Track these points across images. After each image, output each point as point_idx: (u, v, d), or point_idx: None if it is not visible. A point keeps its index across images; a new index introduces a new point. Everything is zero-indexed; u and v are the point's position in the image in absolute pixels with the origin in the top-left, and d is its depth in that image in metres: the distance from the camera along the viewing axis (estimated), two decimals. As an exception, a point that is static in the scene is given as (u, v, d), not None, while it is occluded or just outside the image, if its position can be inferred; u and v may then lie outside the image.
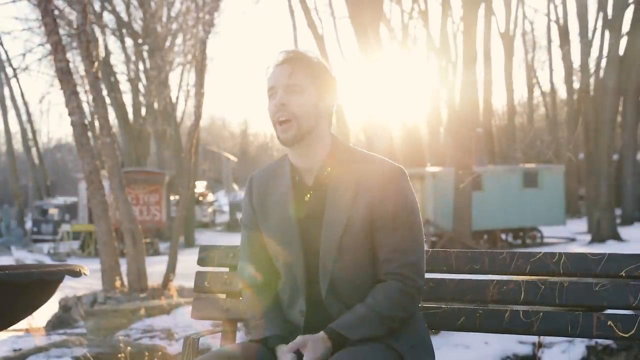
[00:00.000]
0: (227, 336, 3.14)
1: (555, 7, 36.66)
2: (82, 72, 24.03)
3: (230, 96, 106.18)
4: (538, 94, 46.07)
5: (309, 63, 2.62)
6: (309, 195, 2.64)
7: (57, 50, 11.20)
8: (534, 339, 7.38)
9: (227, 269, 3.22)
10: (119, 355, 5.84)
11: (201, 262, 3.25)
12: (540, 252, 2.79)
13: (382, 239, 2.56)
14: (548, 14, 39.01)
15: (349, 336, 2.47)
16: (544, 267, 2.78)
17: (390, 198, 2.55)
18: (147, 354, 6.22)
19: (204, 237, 33.63)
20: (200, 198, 41.52)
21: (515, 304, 2.79)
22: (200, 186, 41.34)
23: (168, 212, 30.34)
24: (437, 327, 2.86)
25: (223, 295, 3.21)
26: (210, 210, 43.68)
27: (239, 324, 6.20)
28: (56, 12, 16.95)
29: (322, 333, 2.48)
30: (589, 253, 2.74)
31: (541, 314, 2.73)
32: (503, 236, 24.22)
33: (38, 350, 6.66)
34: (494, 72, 35.21)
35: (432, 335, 2.87)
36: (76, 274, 3.61)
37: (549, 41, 41.30)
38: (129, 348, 5.91)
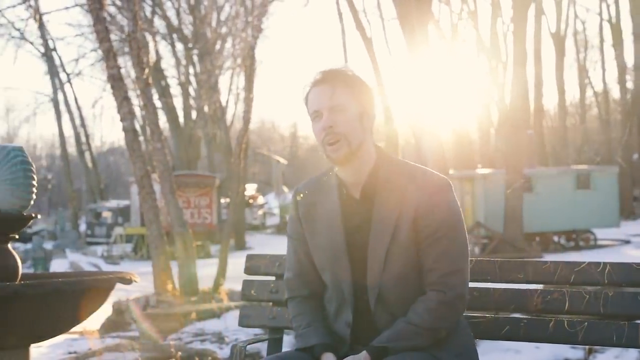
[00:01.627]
0: (274, 344, 3.19)
1: (608, 6, 36.22)
2: (134, 76, 24.35)
3: (280, 99, 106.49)
4: (590, 94, 45.42)
5: (348, 80, 2.64)
6: (356, 208, 2.68)
7: (109, 57, 11.36)
8: (585, 343, 7.28)
9: (273, 278, 3.27)
10: (170, 360, 5.94)
11: (248, 270, 3.31)
12: (585, 262, 2.78)
13: (426, 249, 2.58)
14: (600, 13, 38.52)
15: (388, 346, 2.49)
16: (589, 277, 2.77)
17: (435, 209, 2.58)
18: (197, 358, 6.30)
19: (254, 240, 33.78)
20: (251, 201, 41.73)
21: (559, 313, 2.78)
22: (250, 189, 41.55)
23: (219, 214, 30.56)
24: (481, 336, 2.87)
25: (270, 304, 3.26)
26: (260, 212, 43.85)
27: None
28: (108, 18, 17.20)
29: (363, 352, 2.51)
30: (634, 263, 2.73)
31: (586, 323, 2.73)
32: (555, 238, 23.93)
33: (92, 354, 6.79)
34: (545, 72, 34.89)
35: (483, 340, 2.88)
36: (127, 281, 3.70)
37: (601, 40, 40.73)
38: (179, 353, 6.01)
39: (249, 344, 2.98)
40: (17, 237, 3.96)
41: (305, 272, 2.79)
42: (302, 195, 2.81)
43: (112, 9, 27.44)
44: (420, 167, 2.69)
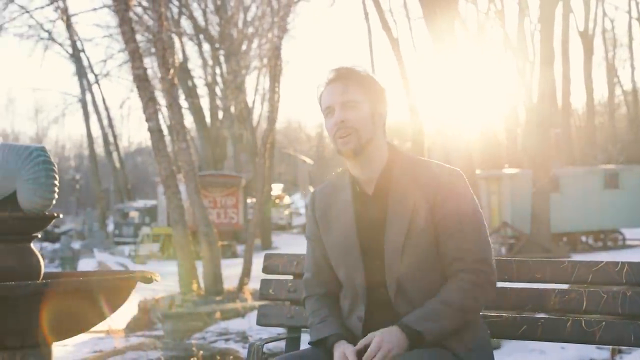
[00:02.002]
0: (291, 343, 3.20)
1: (637, 4, 35.90)
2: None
3: (307, 99, 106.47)
4: (619, 93, 45.01)
5: (360, 78, 2.69)
6: (369, 204, 2.70)
7: (135, 58, 11.45)
8: (610, 344, 7.20)
9: (291, 277, 3.28)
10: (192, 359, 5.96)
11: (266, 269, 3.32)
12: (603, 262, 2.77)
13: (448, 239, 2.62)
14: (629, 11, 38.26)
15: (420, 329, 2.50)
16: (607, 277, 2.76)
17: (452, 200, 2.62)
18: (218, 357, 6.33)
19: (280, 240, 33.83)
20: (277, 200, 41.81)
21: (577, 313, 2.77)
22: (276, 189, 41.61)
23: (245, 214, 30.64)
24: (499, 336, 2.86)
25: (287, 303, 3.27)
26: (286, 212, 43.96)
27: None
28: (135, 19, 17.30)
29: (394, 327, 2.53)
30: (652, 263, 2.71)
31: (603, 323, 2.71)
32: (583, 238, 23.74)
33: (115, 352, 6.84)
34: (572, 71, 34.60)
35: (501, 339, 2.88)
36: (148, 280, 3.72)
37: (630, 39, 40.43)
38: (201, 352, 6.04)
39: (266, 343, 2.99)
40: (39, 236, 4.00)
41: (322, 272, 2.83)
42: (318, 197, 2.85)
43: (139, 10, 27.61)
44: (432, 161, 2.74)
